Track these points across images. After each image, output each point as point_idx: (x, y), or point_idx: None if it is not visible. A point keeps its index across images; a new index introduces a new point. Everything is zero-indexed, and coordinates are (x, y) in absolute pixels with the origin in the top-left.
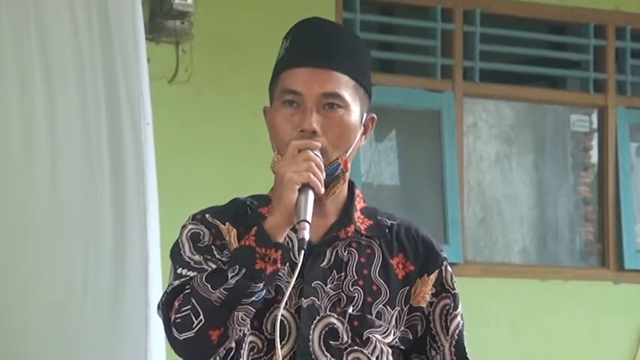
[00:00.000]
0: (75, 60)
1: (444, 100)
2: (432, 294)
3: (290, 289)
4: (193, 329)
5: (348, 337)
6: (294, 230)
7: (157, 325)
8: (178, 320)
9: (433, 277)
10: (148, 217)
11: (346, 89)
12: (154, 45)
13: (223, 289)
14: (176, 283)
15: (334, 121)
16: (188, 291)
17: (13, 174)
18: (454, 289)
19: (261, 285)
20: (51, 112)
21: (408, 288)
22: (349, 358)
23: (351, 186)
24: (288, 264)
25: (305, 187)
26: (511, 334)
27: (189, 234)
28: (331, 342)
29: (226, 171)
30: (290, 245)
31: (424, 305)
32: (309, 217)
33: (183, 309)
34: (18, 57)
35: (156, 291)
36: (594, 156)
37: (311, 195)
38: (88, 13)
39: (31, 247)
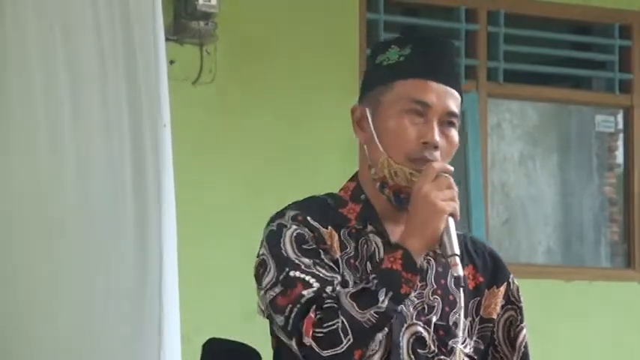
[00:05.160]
0: (98, 61)
1: (468, 101)
2: (501, 306)
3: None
4: (341, 348)
5: (434, 347)
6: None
7: (171, 327)
8: (320, 335)
9: (502, 289)
10: (163, 219)
11: (458, 109)
12: (178, 46)
13: (374, 312)
14: (307, 292)
15: (449, 139)
16: (333, 306)
17: (40, 173)
18: (520, 301)
19: (400, 308)
20: (75, 113)
21: (478, 299)
22: None
23: None
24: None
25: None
26: (535, 334)
27: (294, 234)
28: (419, 350)
29: (249, 171)
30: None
31: (495, 317)
32: (457, 250)
33: (328, 324)
34: (43, 57)
35: (170, 293)
36: (619, 156)
37: (452, 224)
38: (110, 15)
39: (56, 248)
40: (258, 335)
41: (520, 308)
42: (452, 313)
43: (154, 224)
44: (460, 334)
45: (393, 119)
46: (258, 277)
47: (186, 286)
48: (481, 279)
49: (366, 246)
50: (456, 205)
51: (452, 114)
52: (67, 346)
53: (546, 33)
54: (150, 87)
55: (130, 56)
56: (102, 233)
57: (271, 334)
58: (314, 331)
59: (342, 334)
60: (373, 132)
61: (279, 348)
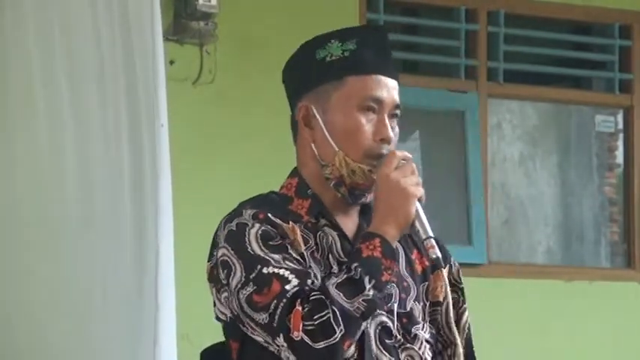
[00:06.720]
0: (97, 61)
1: (468, 101)
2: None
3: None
4: (335, 339)
5: (400, 335)
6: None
7: (167, 327)
8: (311, 328)
9: (445, 271)
10: (161, 218)
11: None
12: (178, 46)
13: (362, 301)
14: (289, 287)
15: (394, 132)
16: (320, 297)
17: (39, 173)
18: (461, 283)
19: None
20: (75, 113)
21: (427, 283)
22: (403, 355)
23: None
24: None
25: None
26: (535, 335)
27: (259, 232)
28: (386, 340)
29: (249, 171)
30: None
31: (441, 299)
32: (431, 232)
33: (319, 316)
34: (43, 57)
35: (167, 293)
36: (619, 156)
37: (420, 208)
38: (109, 15)
39: (55, 248)
40: None
41: (462, 290)
42: (408, 300)
43: (151, 224)
44: (420, 320)
45: (347, 116)
46: (219, 279)
47: (186, 286)
48: (426, 263)
49: (325, 239)
50: (422, 190)
51: (397, 106)
52: (64, 346)
53: (546, 33)
54: (148, 87)
55: (129, 56)
56: (100, 233)
57: (232, 339)
58: (304, 324)
59: (334, 325)
60: (324, 130)
61: (243, 352)
